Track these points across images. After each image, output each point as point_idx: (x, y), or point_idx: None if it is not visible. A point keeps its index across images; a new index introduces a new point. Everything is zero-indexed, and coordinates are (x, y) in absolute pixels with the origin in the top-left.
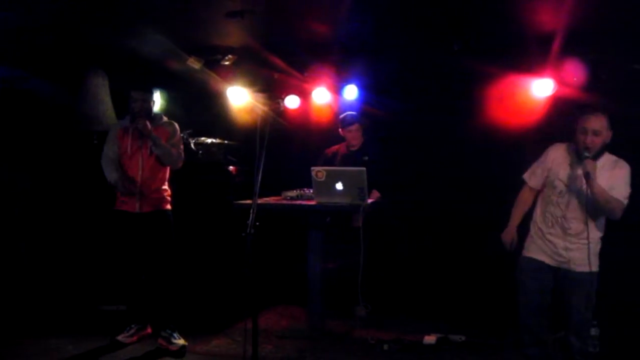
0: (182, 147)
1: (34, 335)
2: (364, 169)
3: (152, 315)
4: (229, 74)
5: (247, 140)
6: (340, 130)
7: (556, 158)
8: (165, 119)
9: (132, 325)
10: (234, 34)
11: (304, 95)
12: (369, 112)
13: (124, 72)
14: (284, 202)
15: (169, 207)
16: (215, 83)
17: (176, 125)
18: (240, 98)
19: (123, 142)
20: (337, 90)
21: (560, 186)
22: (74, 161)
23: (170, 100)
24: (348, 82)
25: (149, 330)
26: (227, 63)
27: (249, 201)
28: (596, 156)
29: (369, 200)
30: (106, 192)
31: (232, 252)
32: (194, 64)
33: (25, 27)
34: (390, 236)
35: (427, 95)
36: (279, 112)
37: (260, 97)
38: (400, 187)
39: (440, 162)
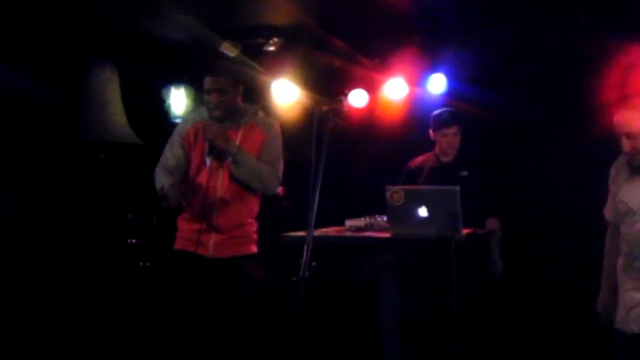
0: (282, 162)
1: None
2: (457, 188)
3: None
4: (274, 63)
5: (298, 151)
6: (431, 133)
7: (615, 174)
8: (261, 114)
9: None
10: (281, 10)
11: (374, 88)
12: (462, 110)
13: (138, 64)
14: (348, 234)
15: (255, 249)
16: (256, 75)
17: (278, 127)
18: (288, 94)
19: (194, 149)
20: (419, 82)
21: (623, 208)
22: (74, 185)
23: (198, 99)
24: (434, 69)
25: None
26: (271, 49)
27: (301, 233)
28: None
29: (470, 231)
30: (122, 228)
31: (279, 301)
32: (229, 50)
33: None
34: (491, 280)
35: (540, 86)
36: (340, 112)
37: (315, 92)
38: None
39: (562, 174)
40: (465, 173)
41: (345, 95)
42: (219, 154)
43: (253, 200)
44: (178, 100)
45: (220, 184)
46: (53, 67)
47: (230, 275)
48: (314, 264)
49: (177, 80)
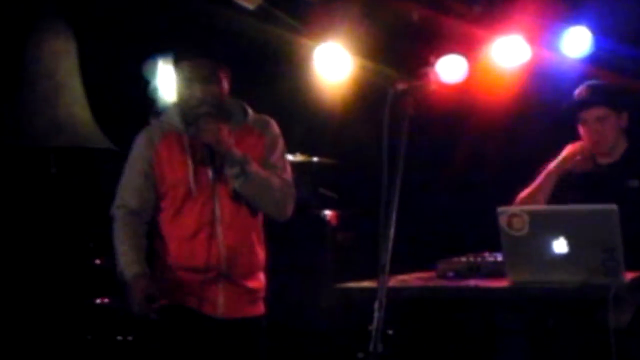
0: (289, 171)
1: None
2: (615, 207)
3: None
4: (317, 20)
5: (358, 156)
6: (578, 118)
7: None
8: (252, 113)
9: None
10: None
11: (476, 53)
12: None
13: (110, 28)
14: (442, 283)
15: (263, 307)
16: (290, 39)
17: (276, 127)
18: (340, 65)
19: (170, 169)
20: (547, 40)
21: None
22: (13, 214)
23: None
24: (571, 22)
25: None
26: None
27: (369, 283)
28: None
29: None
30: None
31: None
32: (247, 1)
33: None
34: None
35: None
36: (425, 91)
37: (384, 62)
38: None
39: None
40: (636, 183)
41: (432, 64)
42: (216, 165)
43: (261, 232)
44: (168, 80)
45: (221, 206)
46: None
47: (249, 342)
48: (390, 332)
49: (166, 50)
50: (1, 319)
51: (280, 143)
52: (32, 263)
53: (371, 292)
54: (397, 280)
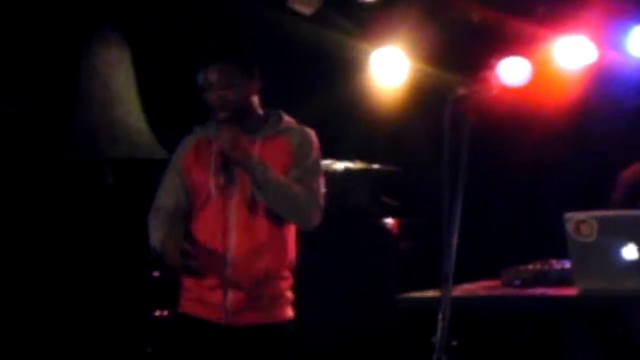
0: (321, 181)
1: None
2: None
3: None
4: (375, 24)
5: (419, 163)
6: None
7: None
8: (288, 120)
9: None
10: None
11: (539, 55)
12: None
13: (165, 36)
14: (508, 292)
15: (290, 313)
16: (345, 44)
17: (312, 135)
18: (398, 70)
19: (196, 175)
20: (611, 41)
21: None
22: (69, 222)
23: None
24: (637, 20)
25: None
26: (369, 0)
27: (432, 293)
28: None
29: None
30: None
31: None
32: (305, 4)
33: None
34: None
35: None
36: (487, 95)
37: (444, 66)
38: None
39: None
40: None
41: (493, 68)
42: (230, 172)
43: (284, 239)
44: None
45: (234, 216)
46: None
47: (254, 352)
48: (454, 343)
49: (221, 58)
50: (61, 332)
51: (313, 153)
52: (90, 276)
53: (435, 302)
54: (461, 290)
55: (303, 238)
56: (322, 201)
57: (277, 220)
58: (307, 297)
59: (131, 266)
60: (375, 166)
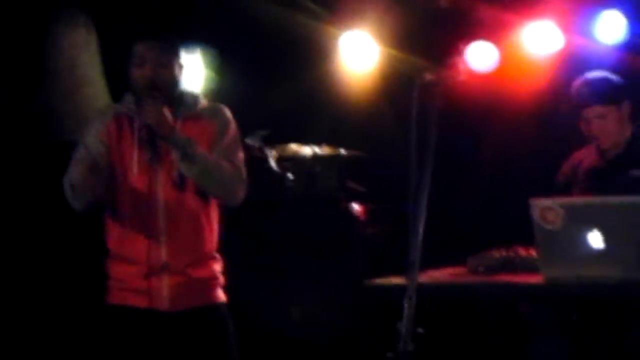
0: (242, 156)
1: None
2: None
3: None
4: (343, 7)
5: (387, 148)
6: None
7: None
8: (204, 101)
9: None
10: None
11: (506, 40)
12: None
13: (132, 15)
14: (473, 279)
15: (222, 295)
16: (315, 27)
17: (227, 112)
18: (366, 54)
19: (117, 149)
20: (579, 26)
21: None
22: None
23: (224, 69)
24: (605, 6)
25: None
26: None
27: (397, 279)
28: None
29: None
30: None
31: None
32: None
33: None
34: None
35: None
36: (454, 81)
37: (412, 51)
38: None
39: None
40: (638, 172)
41: (461, 53)
42: (156, 148)
43: (213, 218)
44: (193, 72)
45: (162, 194)
46: None
47: (191, 338)
48: (420, 330)
49: (189, 40)
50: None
51: (232, 128)
52: (57, 265)
53: (400, 289)
54: (427, 277)
55: (270, 222)
56: (245, 176)
57: (205, 199)
58: (271, 281)
59: (97, 257)
60: (343, 151)
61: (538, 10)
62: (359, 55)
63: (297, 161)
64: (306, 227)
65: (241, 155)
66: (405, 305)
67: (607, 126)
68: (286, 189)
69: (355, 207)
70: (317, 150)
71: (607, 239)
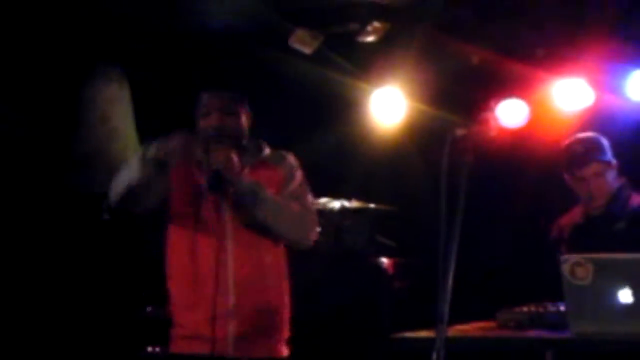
0: (311, 199)
1: None
2: None
3: None
4: (375, 64)
5: (417, 203)
6: (565, 177)
7: None
8: (268, 149)
9: None
10: None
11: (537, 97)
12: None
13: (161, 71)
14: (504, 333)
15: (286, 352)
16: (345, 83)
17: (293, 158)
18: (397, 110)
19: (178, 194)
20: (609, 84)
21: None
22: (61, 254)
23: (256, 125)
24: (635, 64)
25: None
26: (370, 39)
27: (426, 333)
28: None
29: None
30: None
31: None
32: (305, 44)
33: None
34: None
35: None
36: (485, 136)
37: (443, 106)
38: None
39: None
40: (622, 225)
41: (492, 109)
42: (224, 193)
43: (283, 261)
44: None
45: (229, 242)
46: (29, 81)
47: None
48: None
49: (225, 85)
50: None
51: (298, 174)
52: (82, 311)
53: (429, 343)
54: (455, 331)
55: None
56: (316, 218)
57: (275, 241)
58: (302, 336)
59: (124, 302)
60: (372, 205)
61: (569, 67)
62: (389, 110)
63: (326, 215)
64: (335, 281)
65: (310, 198)
66: (434, 358)
67: (605, 184)
68: (314, 243)
69: (384, 261)
70: (346, 204)
71: (637, 294)
